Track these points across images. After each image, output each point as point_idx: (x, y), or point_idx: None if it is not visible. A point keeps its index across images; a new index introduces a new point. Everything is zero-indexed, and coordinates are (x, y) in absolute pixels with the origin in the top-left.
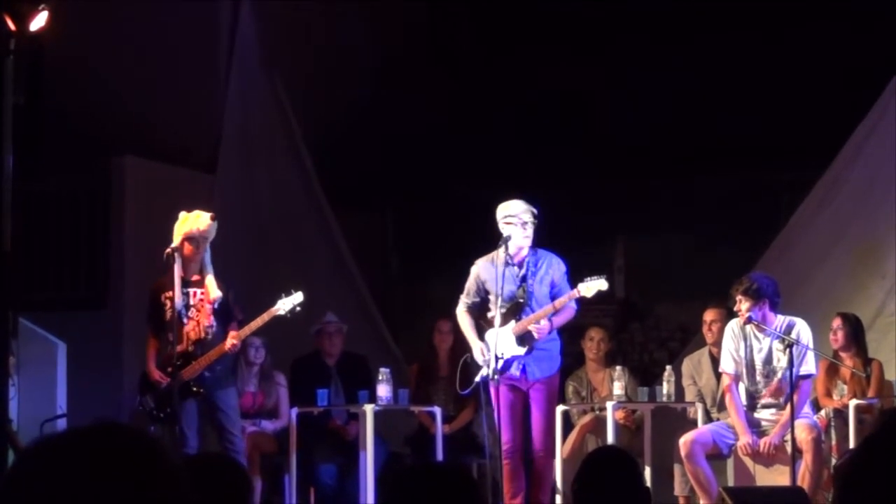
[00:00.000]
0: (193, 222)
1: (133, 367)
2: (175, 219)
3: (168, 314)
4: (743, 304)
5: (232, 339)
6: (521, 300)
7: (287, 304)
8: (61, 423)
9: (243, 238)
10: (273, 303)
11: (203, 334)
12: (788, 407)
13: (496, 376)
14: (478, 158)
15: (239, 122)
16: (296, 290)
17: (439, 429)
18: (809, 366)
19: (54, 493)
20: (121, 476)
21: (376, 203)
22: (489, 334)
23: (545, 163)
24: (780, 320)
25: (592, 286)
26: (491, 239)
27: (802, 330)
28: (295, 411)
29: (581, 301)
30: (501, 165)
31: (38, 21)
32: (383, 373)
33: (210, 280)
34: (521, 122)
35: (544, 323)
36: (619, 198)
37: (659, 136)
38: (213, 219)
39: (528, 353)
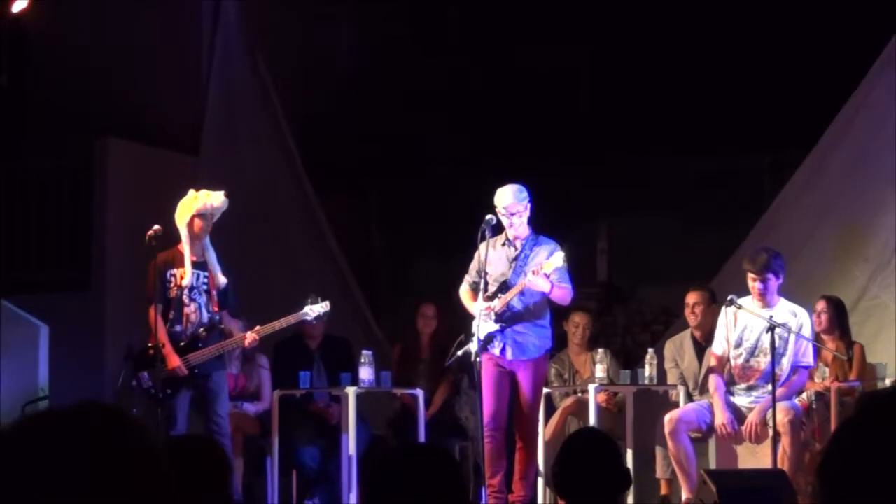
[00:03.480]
0: (205, 198)
1: (115, 349)
2: (156, 200)
3: (173, 292)
4: (764, 281)
5: (253, 334)
6: (506, 279)
7: (315, 310)
8: (43, 406)
9: (226, 220)
10: (255, 286)
11: (209, 320)
12: (772, 389)
13: (477, 359)
14: (461, 139)
15: (222, 103)
16: (323, 299)
17: (421, 411)
18: (808, 357)
19: (36, 472)
20: (103, 455)
21: (359, 183)
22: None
23: (528, 144)
24: (782, 306)
25: (549, 264)
26: (474, 219)
27: (804, 321)
28: (277, 394)
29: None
30: (485, 146)
31: (20, 3)
32: (365, 355)
33: (216, 265)
34: (504, 103)
35: (543, 282)
36: (603, 180)
37: (642, 118)
38: (226, 195)
39: (502, 329)
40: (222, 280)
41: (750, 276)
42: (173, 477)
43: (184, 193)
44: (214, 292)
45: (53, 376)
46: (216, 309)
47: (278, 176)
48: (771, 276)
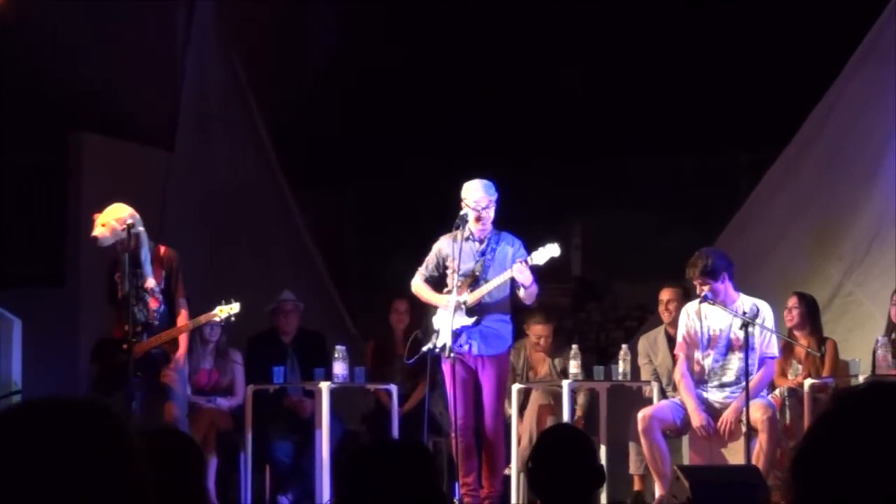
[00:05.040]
0: (112, 216)
1: (89, 344)
2: (131, 195)
3: (119, 293)
4: (704, 286)
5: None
6: (477, 274)
7: (224, 312)
8: (16, 400)
9: (200, 216)
10: (229, 282)
11: (151, 317)
12: (744, 385)
13: (451, 354)
14: (436, 137)
15: (196, 99)
16: (237, 300)
17: (395, 406)
18: (773, 348)
19: (11, 467)
20: (81, 448)
21: (335, 181)
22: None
23: (503, 142)
24: (744, 301)
25: (545, 253)
26: (449, 217)
27: (766, 313)
28: (250, 389)
29: (538, 279)
30: (460, 144)
31: None
32: (339, 351)
33: (147, 265)
34: (479, 102)
35: (528, 273)
36: (578, 177)
37: (618, 116)
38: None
39: (475, 324)
40: (151, 283)
41: (694, 282)
42: (149, 469)
43: (157, 188)
44: (154, 290)
45: (27, 371)
46: (156, 305)
47: (253, 172)
48: (710, 281)
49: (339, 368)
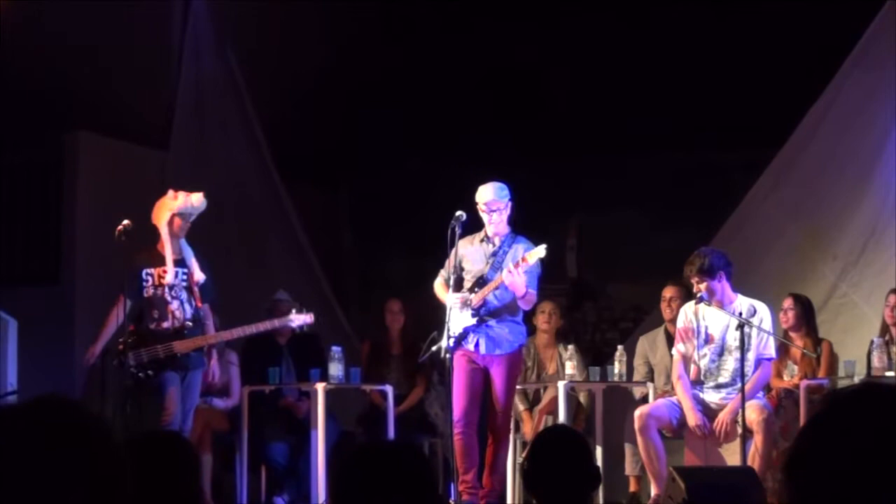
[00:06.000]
0: (186, 198)
1: (85, 343)
2: (127, 195)
3: (149, 291)
4: (701, 284)
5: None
6: (484, 275)
7: (298, 319)
8: (12, 401)
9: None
10: (223, 281)
11: (192, 315)
12: (741, 386)
13: (447, 354)
14: (432, 135)
15: (192, 98)
16: (308, 310)
17: (391, 407)
18: (770, 350)
19: None
20: (58, 449)
21: (330, 179)
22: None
23: (499, 140)
24: (742, 302)
25: (533, 254)
26: (446, 216)
27: (764, 314)
28: (246, 390)
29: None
30: (455, 143)
31: None
32: (335, 351)
33: (193, 262)
34: (475, 99)
35: (518, 276)
36: (573, 177)
37: (614, 116)
38: (204, 196)
39: (480, 324)
40: (200, 276)
41: (691, 280)
42: (129, 471)
43: (153, 188)
44: (196, 288)
45: (22, 371)
46: (199, 304)
47: (248, 170)
48: (707, 279)
49: (335, 369)
